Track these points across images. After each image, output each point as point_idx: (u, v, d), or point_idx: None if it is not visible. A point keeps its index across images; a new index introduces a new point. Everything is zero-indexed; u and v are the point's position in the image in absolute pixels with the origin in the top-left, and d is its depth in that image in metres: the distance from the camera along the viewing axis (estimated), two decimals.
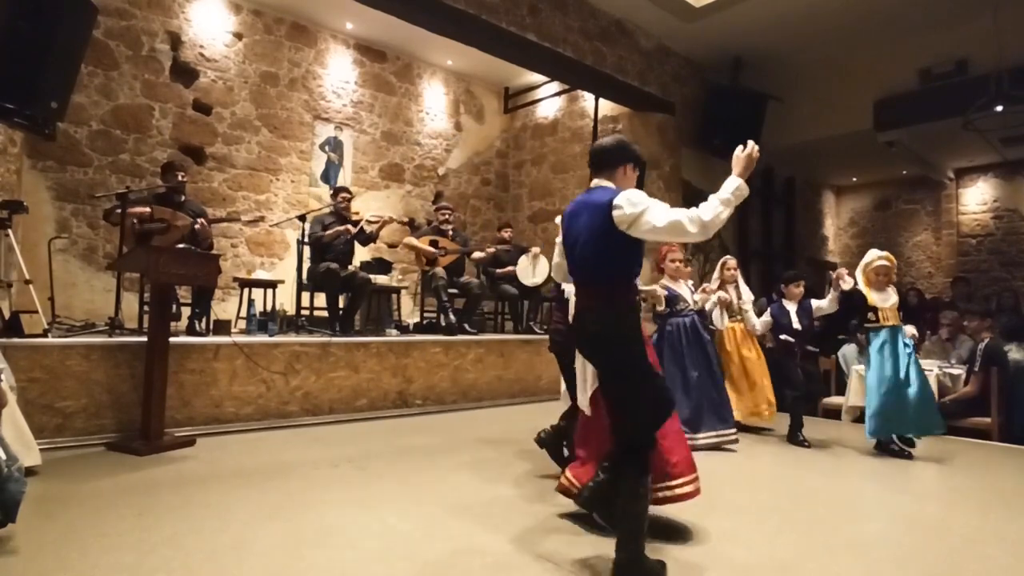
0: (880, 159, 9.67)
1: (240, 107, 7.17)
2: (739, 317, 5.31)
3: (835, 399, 6.18)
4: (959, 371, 5.47)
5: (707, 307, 4.96)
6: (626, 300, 2.31)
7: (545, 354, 5.42)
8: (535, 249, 6.93)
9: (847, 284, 4.50)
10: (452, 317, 6.25)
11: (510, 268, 7.10)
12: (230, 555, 2.38)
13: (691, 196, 8.89)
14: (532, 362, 6.65)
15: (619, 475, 2.26)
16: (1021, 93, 6.35)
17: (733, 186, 2.19)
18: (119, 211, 4.64)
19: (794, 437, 4.88)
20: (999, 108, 6.57)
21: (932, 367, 5.51)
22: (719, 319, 5.29)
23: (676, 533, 2.76)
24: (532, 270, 6.90)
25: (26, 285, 4.31)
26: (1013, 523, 3.10)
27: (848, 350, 6.18)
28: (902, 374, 4.41)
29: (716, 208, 2.15)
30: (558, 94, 9.18)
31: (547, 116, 9.43)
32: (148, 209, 4.77)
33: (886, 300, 4.54)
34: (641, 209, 2.17)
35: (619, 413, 2.30)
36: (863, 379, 5.72)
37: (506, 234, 7.63)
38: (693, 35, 7.83)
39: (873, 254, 4.65)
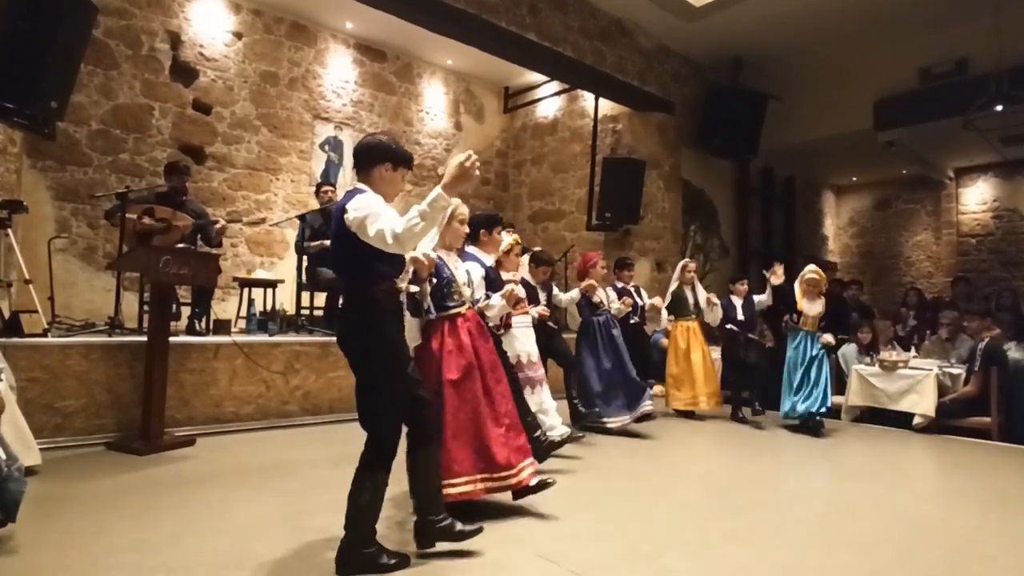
0: (880, 159, 9.67)
1: (240, 107, 7.16)
2: (694, 315, 5.90)
3: (835, 399, 6.14)
4: (959, 371, 5.46)
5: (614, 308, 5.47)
6: (367, 299, 2.30)
7: None
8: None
9: (777, 280, 5.48)
10: None
11: None
12: (230, 555, 2.38)
13: (691, 195, 8.90)
14: None
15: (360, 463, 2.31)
16: (1021, 93, 6.35)
17: (431, 197, 2.14)
18: (119, 212, 4.65)
19: (734, 415, 5.73)
20: (999, 108, 6.57)
21: (932, 367, 5.52)
22: (663, 319, 6.12)
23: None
24: None
25: (26, 285, 4.31)
26: (1013, 523, 3.10)
27: (848, 350, 6.16)
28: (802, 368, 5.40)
29: (411, 221, 2.12)
30: (558, 94, 9.17)
31: (547, 116, 9.42)
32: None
33: (812, 309, 5.40)
34: (363, 215, 2.18)
35: (361, 404, 2.33)
36: (863, 378, 5.77)
37: None
38: (693, 35, 7.83)
39: (808, 268, 5.51)
